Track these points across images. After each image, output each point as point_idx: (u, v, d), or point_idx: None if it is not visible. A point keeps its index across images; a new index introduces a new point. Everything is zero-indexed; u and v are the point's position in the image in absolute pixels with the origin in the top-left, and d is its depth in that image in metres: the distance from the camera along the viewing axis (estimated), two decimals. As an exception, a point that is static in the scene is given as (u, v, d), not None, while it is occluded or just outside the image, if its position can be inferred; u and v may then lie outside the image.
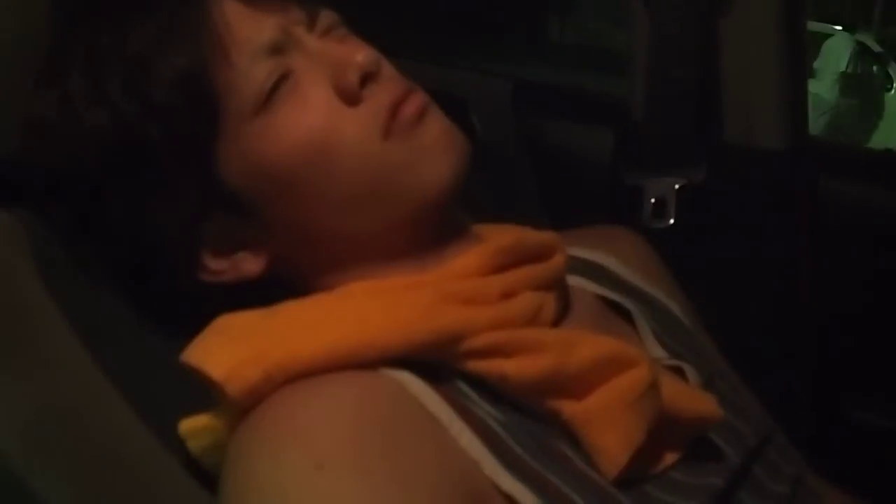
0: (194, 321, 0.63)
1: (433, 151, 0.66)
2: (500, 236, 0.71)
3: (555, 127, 1.18)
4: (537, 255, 0.70)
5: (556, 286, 0.71)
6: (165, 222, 0.66)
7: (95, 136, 0.65)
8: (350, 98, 0.65)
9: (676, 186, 1.03)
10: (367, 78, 0.65)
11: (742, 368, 0.82)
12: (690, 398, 0.68)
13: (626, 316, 0.77)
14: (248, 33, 0.65)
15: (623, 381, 0.62)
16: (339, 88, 0.65)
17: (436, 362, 0.62)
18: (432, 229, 0.68)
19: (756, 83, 1.06)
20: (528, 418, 0.62)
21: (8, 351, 0.63)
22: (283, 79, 0.65)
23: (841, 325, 1.11)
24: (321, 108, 0.65)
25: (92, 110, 0.65)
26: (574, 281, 0.76)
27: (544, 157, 1.16)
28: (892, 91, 7.40)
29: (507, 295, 0.66)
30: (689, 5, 1.04)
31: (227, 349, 0.60)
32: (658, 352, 0.74)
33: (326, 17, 0.69)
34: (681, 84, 1.05)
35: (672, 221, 1.02)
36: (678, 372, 0.72)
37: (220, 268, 0.68)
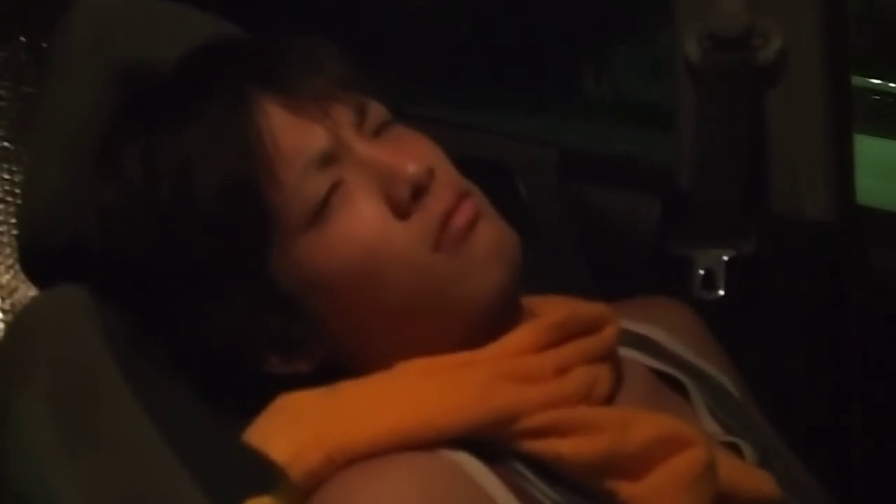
0: (255, 395, 0.64)
1: (482, 263, 0.65)
2: (552, 311, 0.71)
3: (601, 195, 1.18)
4: (589, 329, 0.70)
5: (609, 359, 0.71)
6: (219, 321, 0.67)
7: (147, 240, 0.67)
8: (401, 212, 0.65)
9: (725, 258, 1.02)
10: (419, 190, 0.65)
11: (792, 442, 0.81)
12: (748, 476, 0.67)
13: (678, 389, 0.76)
14: (297, 144, 0.64)
15: (680, 462, 0.62)
16: (390, 202, 0.65)
17: (492, 441, 0.62)
18: (486, 324, 0.68)
19: (802, 153, 1.05)
20: (584, 499, 0.62)
21: (87, 432, 0.65)
22: (334, 188, 0.64)
23: (893, 398, 1.10)
24: (372, 221, 0.64)
25: (143, 214, 0.66)
26: (625, 353, 0.76)
27: (590, 225, 1.16)
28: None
29: (562, 371, 0.66)
30: (736, 75, 1.05)
31: (289, 432, 0.61)
32: (713, 427, 0.73)
33: (375, 112, 0.68)
34: (728, 154, 1.05)
35: (722, 293, 1.02)
36: (734, 448, 0.71)
37: (276, 361, 0.68)
